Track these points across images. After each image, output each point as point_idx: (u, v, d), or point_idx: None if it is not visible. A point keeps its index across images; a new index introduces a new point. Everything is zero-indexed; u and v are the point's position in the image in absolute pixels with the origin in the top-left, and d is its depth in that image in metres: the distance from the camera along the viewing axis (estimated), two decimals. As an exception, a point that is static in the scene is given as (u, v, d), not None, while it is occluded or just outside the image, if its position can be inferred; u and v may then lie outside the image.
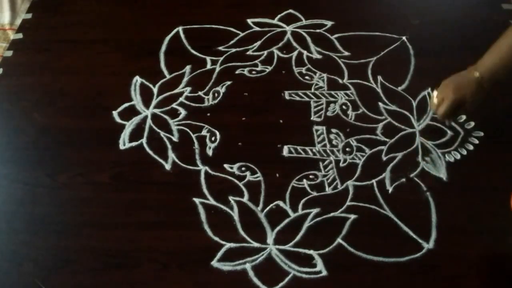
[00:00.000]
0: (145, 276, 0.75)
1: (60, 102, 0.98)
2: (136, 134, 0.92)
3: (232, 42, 1.06)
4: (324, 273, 0.75)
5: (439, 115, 0.83)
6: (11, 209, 0.84)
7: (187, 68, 1.01)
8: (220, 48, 1.05)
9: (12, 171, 0.88)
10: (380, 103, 0.94)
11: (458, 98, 0.80)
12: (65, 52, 1.07)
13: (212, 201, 0.83)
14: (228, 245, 0.78)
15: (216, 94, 0.97)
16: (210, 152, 0.89)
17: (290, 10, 1.11)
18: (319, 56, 1.03)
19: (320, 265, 0.75)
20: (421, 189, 0.83)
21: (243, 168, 0.86)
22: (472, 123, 0.90)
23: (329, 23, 1.08)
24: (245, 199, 0.83)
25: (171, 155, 0.89)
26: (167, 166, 0.87)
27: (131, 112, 0.95)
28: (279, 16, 1.10)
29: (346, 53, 1.03)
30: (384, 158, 0.87)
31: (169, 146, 0.90)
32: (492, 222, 0.79)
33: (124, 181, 0.86)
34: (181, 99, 0.97)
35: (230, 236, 0.79)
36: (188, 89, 0.98)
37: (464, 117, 0.90)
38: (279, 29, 1.08)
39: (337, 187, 0.84)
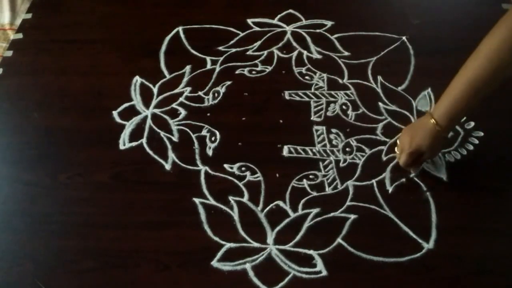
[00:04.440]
0: (145, 276, 0.75)
1: (60, 102, 0.98)
2: (136, 134, 0.92)
3: (232, 42, 1.06)
4: (324, 273, 0.75)
5: (401, 165, 0.82)
6: (11, 209, 0.84)
7: (187, 68, 1.01)
8: (220, 48, 1.05)
9: (12, 171, 0.88)
10: (380, 103, 0.94)
11: (415, 150, 0.78)
12: (65, 52, 1.07)
13: (212, 201, 0.83)
14: (228, 245, 0.78)
15: (216, 94, 0.97)
16: (210, 152, 0.89)
17: (290, 10, 1.11)
18: (319, 56, 1.03)
19: (320, 265, 0.75)
20: (421, 189, 0.83)
21: (243, 168, 0.86)
22: (472, 123, 0.90)
23: (329, 23, 1.08)
24: (245, 199, 0.83)
25: (171, 155, 0.89)
26: (167, 166, 0.87)
27: (131, 112, 0.95)
28: (279, 16, 1.10)
29: (346, 53, 1.03)
30: (384, 158, 0.87)
31: (169, 146, 0.90)
32: (492, 222, 0.79)
33: (124, 181, 0.86)
34: (181, 99, 0.97)
35: (230, 236, 0.79)
36: (188, 89, 0.98)
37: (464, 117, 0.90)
38: (279, 29, 1.08)
39: (337, 187, 0.84)
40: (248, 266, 0.75)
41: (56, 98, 0.98)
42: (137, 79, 1.00)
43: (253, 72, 1.01)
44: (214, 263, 0.76)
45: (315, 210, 0.81)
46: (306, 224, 0.79)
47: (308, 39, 1.06)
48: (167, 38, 1.08)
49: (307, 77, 0.99)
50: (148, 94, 0.98)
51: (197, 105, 0.96)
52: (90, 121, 0.95)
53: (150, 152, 0.89)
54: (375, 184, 0.84)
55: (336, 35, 1.06)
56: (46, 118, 0.95)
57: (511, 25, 0.67)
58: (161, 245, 0.78)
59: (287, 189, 0.84)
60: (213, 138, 0.91)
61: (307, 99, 0.96)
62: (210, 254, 0.77)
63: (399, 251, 0.76)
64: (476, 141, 0.88)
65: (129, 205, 0.83)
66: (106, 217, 0.82)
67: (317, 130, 0.91)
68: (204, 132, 0.92)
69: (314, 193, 0.83)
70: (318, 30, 1.07)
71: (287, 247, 0.77)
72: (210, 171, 0.86)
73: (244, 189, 0.84)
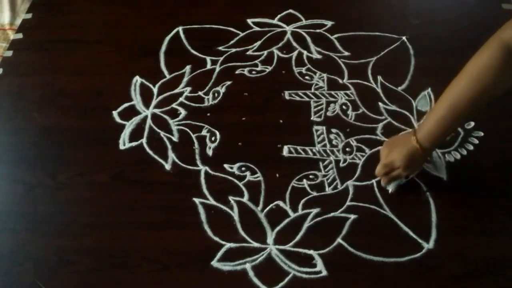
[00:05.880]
0: (145, 276, 0.75)
1: (60, 102, 0.98)
2: (136, 134, 0.92)
3: (232, 42, 1.06)
4: (324, 273, 0.75)
5: (376, 174, 0.80)
6: (11, 209, 0.84)
7: (187, 68, 1.01)
8: (220, 48, 1.05)
9: (12, 171, 0.88)
10: (380, 103, 0.94)
11: (389, 163, 0.77)
12: (65, 52, 1.07)
13: (212, 201, 0.83)
14: (228, 245, 0.78)
15: (216, 94, 0.97)
16: (210, 152, 0.89)
17: (290, 10, 1.11)
18: (319, 56, 1.03)
19: (320, 265, 0.75)
20: (421, 189, 0.83)
21: (243, 168, 0.86)
22: (472, 123, 0.90)
23: (329, 23, 1.08)
24: (245, 199, 0.83)
25: (171, 155, 0.89)
26: (167, 166, 0.87)
27: (131, 112, 0.95)
28: (279, 16, 1.10)
29: (346, 53, 1.03)
30: (384, 158, 0.87)
31: (169, 146, 0.90)
32: (492, 222, 0.79)
33: (124, 181, 0.86)
34: (181, 99, 0.97)
35: (230, 236, 0.79)
36: (188, 89, 0.98)
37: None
38: (279, 29, 1.08)
39: (337, 187, 0.84)
40: (248, 266, 0.75)
41: (56, 98, 0.99)
42: (137, 79, 1.00)
43: (253, 72, 1.01)
44: (214, 263, 0.76)
45: (315, 210, 0.81)
46: (306, 224, 0.79)
47: (308, 39, 1.06)
48: (167, 38, 1.08)
49: (307, 77, 0.99)
50: (148, 94, 0.98)
51: (197, 105, 0.96)
52: (90, 121, 0.95)
53: (150, 152, 0.89)
54: (375, 184, 0.84)
55: (336, 35, 1.06)
56: (46, 118, 0.95)
57: (495, 49, 0.66)
58: (161, 245, 0.78)
59: (287, 189, 0.84)
60: (213, 138, 0.91)
61: (307, 99, 0.96)
62: (210, 254, 0.77)
63: (399, 251, 0.76)
64: (476, 141, 0.88)
65: (129, 205, 0.83)
66: (106, 217, 0.82)
67: (317, 130, 0.91)
68: (204, 132, 0.92)
69: (314, 193, 0.83)
70: (318, 30, 1.07)
71: (287, 247, 0.77)
72: (210, 171, 0.86)
73: (244, 189, 0.84)
